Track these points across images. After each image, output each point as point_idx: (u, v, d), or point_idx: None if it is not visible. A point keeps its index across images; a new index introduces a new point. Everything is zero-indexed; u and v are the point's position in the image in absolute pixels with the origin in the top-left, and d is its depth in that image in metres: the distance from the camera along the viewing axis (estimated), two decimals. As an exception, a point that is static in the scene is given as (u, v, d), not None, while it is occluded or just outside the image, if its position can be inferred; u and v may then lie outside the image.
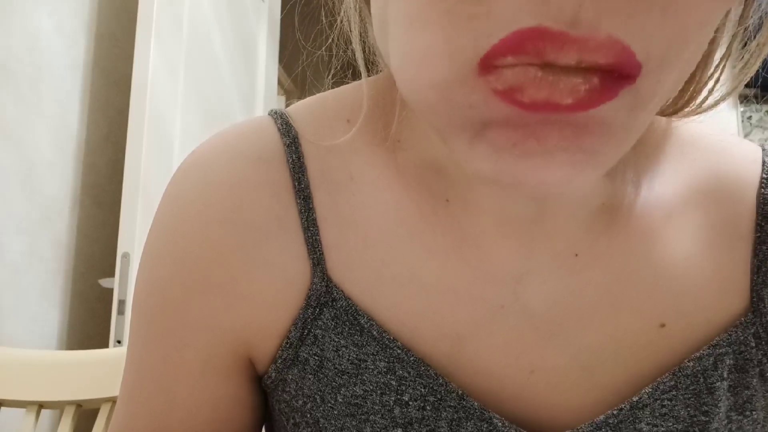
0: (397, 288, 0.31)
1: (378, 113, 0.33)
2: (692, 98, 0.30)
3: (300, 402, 0.32)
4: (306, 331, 0.31)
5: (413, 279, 0.31)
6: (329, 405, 0.31)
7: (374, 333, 0.31)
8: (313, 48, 0.40)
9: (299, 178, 0.32)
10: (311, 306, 0.31)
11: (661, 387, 0.30)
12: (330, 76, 0.36)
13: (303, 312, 0.31)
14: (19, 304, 1.15)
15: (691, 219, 0.32)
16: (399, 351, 0.30)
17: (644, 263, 0.31)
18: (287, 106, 0.36)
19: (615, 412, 0.30)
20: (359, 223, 0.32)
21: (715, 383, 0.30)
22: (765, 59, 0.28)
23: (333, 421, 0.31)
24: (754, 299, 0.31)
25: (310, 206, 0.32)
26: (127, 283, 1.16)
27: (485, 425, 0.30)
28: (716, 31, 0.24)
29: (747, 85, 0.29)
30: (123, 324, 1.15)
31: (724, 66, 0.28)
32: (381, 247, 0.32)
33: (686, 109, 0.30)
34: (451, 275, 0.31)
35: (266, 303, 0.32)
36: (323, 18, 0.33)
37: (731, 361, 0.31)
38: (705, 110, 0.30)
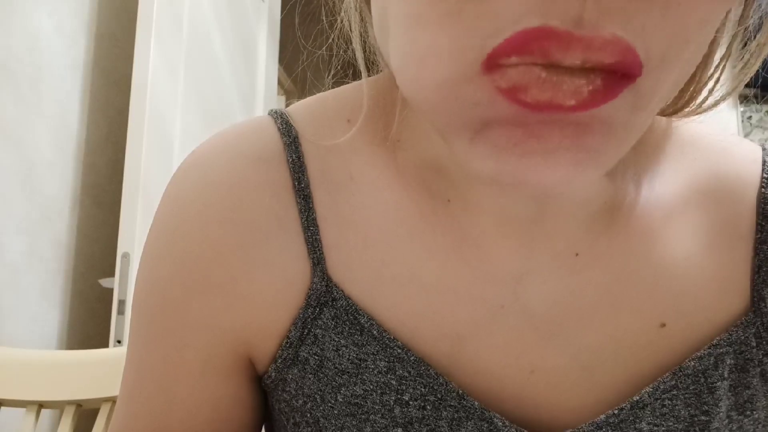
0: (397, 288, 0.31)
1: (378, 113, 0.33)
2: (692, 98, 0.30)
3: (300, 402, 0.32)
4: (306, 331, 0.31)
5: (413, 279, 0.31)
6: (329, 404, 0.31)
7: (374, 332, 0.31)
8: (313, 48, 0.40)
9: (299, 177, 0.32)
10: (311, 306, 0.31)
11: (662, 387, 0.30)
12: (330, 76, 0.36)
13: (303, 312, 0.31)
14: (19, 304, 1.15)
15: (691, 219, 0.32)
16: (399, 351, 0.30)
17: (644, 263, 0.31)
18: (287, 106, 0.36)
19: (615, 412, 0.30)
20: (359, 222, 0.32)
21: (715, 383, 0.30)
22: (765, 59, 0.28)
23: (333, 421, 0.31)
24: (755, 299, 0.31)
25: (310, 206, 0.32)
26: (127, 283, 1.16)
27: (486, 425, 0.30)
28: (716, 32, 0.24)
29: (747, 85, 0.29)
30: (123, 324, 1.15)
31: (725, 66, 0.28)
32: (381, 247, 0.32)
33: (686, 109, 0.30)
34: (451, 275, 0.31)
35: (266, 303, 0.32)
36: (323, 18, 0.33)
37: (732, 361, 0.31)
38: (705, 110, 0.31)
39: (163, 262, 0.33)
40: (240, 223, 0.32)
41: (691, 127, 0.34)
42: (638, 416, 0.30)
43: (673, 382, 0.30)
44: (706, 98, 0.30)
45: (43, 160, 1.21)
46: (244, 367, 0.34)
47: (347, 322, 0.31)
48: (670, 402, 0.30)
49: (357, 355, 0.31)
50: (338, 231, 0.32)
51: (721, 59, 0.28)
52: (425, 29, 0.18)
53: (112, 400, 0.70)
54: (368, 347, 0.31)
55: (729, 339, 0.31)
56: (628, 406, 0.30)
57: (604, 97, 0.17)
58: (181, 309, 0.32)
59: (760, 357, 0.31)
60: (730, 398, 0.31)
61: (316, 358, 0.31)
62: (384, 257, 0.31)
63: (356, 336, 0.31)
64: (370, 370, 0.31)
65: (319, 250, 0.32)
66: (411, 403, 0.30)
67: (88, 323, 1.35)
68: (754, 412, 0.31)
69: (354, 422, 0.31)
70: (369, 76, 0.31)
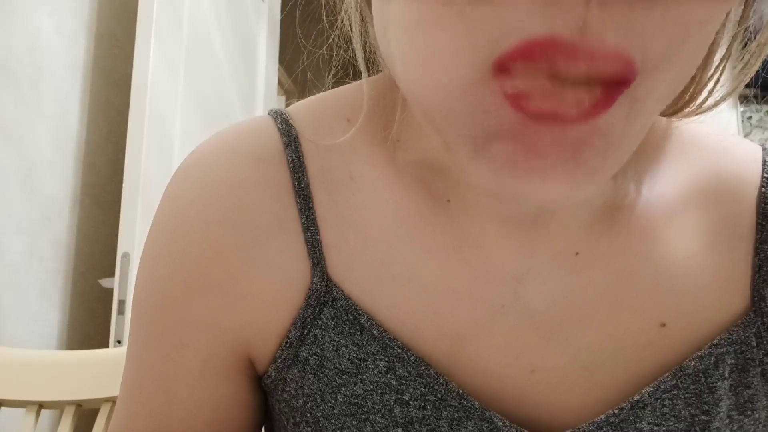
0: (397, 288, 0.31)
1: (378, 113, 0.33)
2: (692, 99, 0.30)
3: (300, 401, 0.32)
4: (306, 331, 0.31)
5: (413, 279, 0.31)
6: (329, 404, 0.31)
7: (374, 332, 0.31)
8: (313, 48, 0.40)
9: (299, 177, 0.32)
10: (311, 305, 0.31)
11: (662, 386, 0.30)
12: (330, 76, 0.36)
13: (303, 312, 0.31)
14: (19, 304, 1.15)
15: (691, 218, 0.32)
16: (399, 350, 0.30)
17: (645, 263, 0.31)
18: (287, 106, 0.36)
19: (616, 412, 0.30)
20: (359, 222, 0.32)
21: (716, 383, 0.30)
22: (765, 60, 0.28)
23: (333, 421, 0.31)
24: (755, 299, 0.31)
25: (310, 206, 0.32)
26: (127, 283, 1.16)
27: (486, 425, 0.30)
28: (716, 32, 0.24)
29: (747, 86, 0.29)
30: (123, 324, 1.15)
31: (725, 67, 0.29)
32: (381, 247, 0.32)
33: (686, 110, 0.30)
34: (451, 275, 0.31)
35: (266, 303, 0.32)
36: (324, 18, 0.33)
37: (732, 361, 0.31)
38: (705, 110, 0.31)
39: (163, 262, 0.33)
40: (240, 223, 0.32)
41: (691, 127, 0.34)
42: (638, 416, 0.30)
43: (674, 382, 0.30)
44: (706, 98, 0.30)
45: (43, 160, 1.21)
46: (244, 367, 0.34)
47: (347, 322, 0.31)
48: (670, 402, 0.30)
49: (357, 355, 0.31)
50: (338, 231, 0.32)
51: (721, 60, 0.28)
52: (434, 32, 0.19)
53: (112, 400, 0.70)
54: (368, 347, 0.31)
55: (729, 339, 0.31)
56: (629, 405, 0.30)
57: (604, 105, 0.18)
58: (181, 309, 0.32)
59: (761, 357, 0.31)
60: (730, 398, 0.31)
61: (316, 358, 0.31)
62: (384, 257, 0.31)
63: (356, 336, 0.31)
64: (370, 370, 0.31)
65: (319, 250, 0.32)
66: (411, 403, 0.30)
67: (88, 323, 1.35)
68: (755, 412, 0.31)
69: (354, 422, 0.31)
70: (369, 76, 0.31)
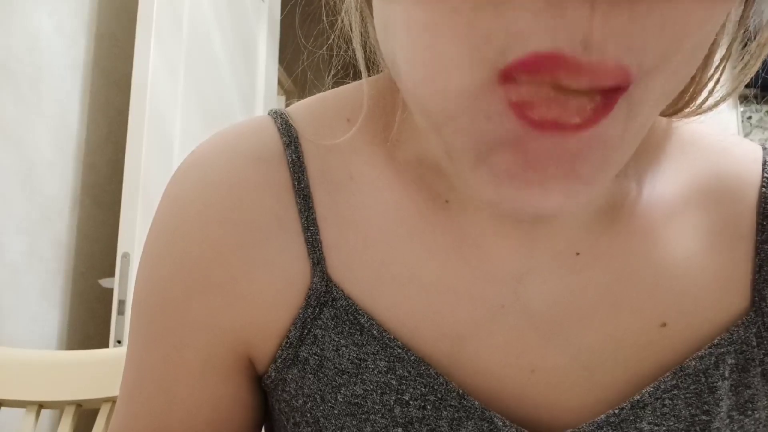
0: (397, 288, 0.31)
1: (378, 113, 0.33)
2: (692, 99, 0.30)
3: (300, 401, 0.32)
4: (306, 331, 0.31)
5: (413, 279, 0.31)
6: (329, 404, 0.31)
7: (374, 332, 0.31)
8: (313, 48, 0.40)
9: (299, 177, 0.32)
10: (311, 305, 0.31)
11: (662, 386, 0.30)
12: (330, 77, 0.36)
13: (303, 311, 0.31)
14: (19, 304, 1.15)
15: (692, 218, 0.32)
16: (399, 350, 0.30)
17: (645, 262, 0.31)
18: (287, 106, 0.36)
19: (616, 412, 0.30)
20: (359, 222, 0.32)
21: (716, 383, 0.30)
22: (765, 60, 0.28)
23: (333, 421, 0.31)
24: (756, 298, 0.31)
25: (310, 206, 0.32)
26: (127, 283, 1.16)
27: (486, 424, 0.30)
28: (716, 33, 0.24)
29: (747, 86, 0.29)
30: (123, 324, 1.15)
31: (725, 67, 0.29)
32: (381, 247, 0.32)
33: (687, 110, 0.30)
34: (451, 275, 0.31)
35: (266, 303, 0.32)
36: (324, 18, 0.33)
37: (733, 361, 0.31)
38: (705, 111, 0.31)
39: (163, 262, 0.33)
40: (240, 223, 0.32)
41: (691, 127, 0.34)
42: (639, 416, 0.30)
43: (674, 382, 0.30)
44: (707, 99, 0.30)
45: (43, 160, 1.21)
46: (244, 367, 0.34)
47: (347, 322, 0.31)
48: (670, 402, 0.30)
49: (357, 355, 0.31)
50: (338, 231, 0.32)
51: (721, 60, 0.28)
52: (440, 38, 0.19)
53: (112, 400, 0.70)
54: (368, 347, 0.31)
55: (730, 338, 0.31)
56: (629, 405, 0.30)
57: (604, 110, 0.18)
58: (181, 309, 0.32)
59: (761, 356, 0.31)
60: (731, 398, 0.31)
61: (316, 358, 0.31)
62: (384, 257, 0.31)
63: (356, 336, 0.31)
64: (370, 370, 0.31)
65: (319, 250, 0.32)
66: (411, 402, 0.30)
67: (88, 323, 1.35)
68: (755, 412, 0.31)
69: (354, 422, 0.31)
70: (369, 76, 0.31)
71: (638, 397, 0.30)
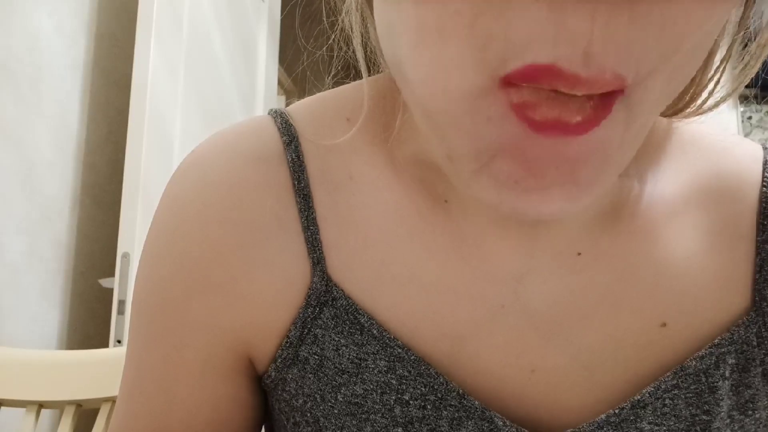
0: (397, 288, 0.31)
1: (378, 113, 0.33)
2: (693, 100, 0.30)
3: (300, 401, 0.32)
4: (306, 331, 0.31)
5: (413, 279, 0.31)
6: (329, 404, 0.31)
7: (374, 332, 0.31)
8: (313, 48, 0.40)
9: (299, 177, 0.32)
10: (311, 305, 0.31)
11: (663, 386, 0.30)
12: (330, 77, 0.36)
13: (303, 311, 0.31)
14: (19, 304, 1.15)
15: (692, 218, 0.32)
16: (399, 350, 0.30)
17: (646, 262, 0.31)
18: (287, 106, 0.36)
19: (616, 411, 0.30)
20: (359, 222, 0.32)
21: (717, 382, 0.30)
22: (765, 60, 0.28)
23: (333, 420, 0.31)
24: (756, 298, 0.31)
25: (310, 205, 0.32)
26: (127, 283, 1.16)
27: (486, 424, 0.30)
28: (716, 34, 0.24)
29: (747, 86, 0.29)
30: (123, 324, 1.15)
31: (725, 68, 0.29)
32: (381, 247, 0.32)
33: (687, 110, 0.30)
34: (451, 275, 0.31)
35: (266, 302, 0.32)
36: (324, 18, 0.33)
37: (733, 361, 0.31)
38: (706, 111, 0.31)
39: (163, 262, 0.33)
40: (240, 223, 0.32)
41: (691, 127, 0.34)
42: (639, 416, 0.30)
43: (675, 382, 0.30)
44: (707, 99, 0.30)
45: (43, 160, 1.21)
46: (243, 367, 0.34)
47: (347, 322, 0.31)
48: (671, 401, 0.30)
49: (357, 354, 0.31)
50: (338, 231, 0.32)
51: (722, 61, 0.28)
52: (443, 40, 0.19)
53: (112, 400, 0.70)
54: (368, 347, 0.31)
55: (730, 338, 0.31)
56: (629, 405, 0.30)
57: (603, 110, 0.19)
58: (181, 309, 0.32)
59: (762, 356, 0.31)
60: (731, 398, 0.31)
61: (316, 357, 0.31)
62: (384, 257, 0.31)
63: (356, 335, 0.31)
64: (370, 369, 0.31)
65: (318, 249, 0.32)
66: (411, 402, 0.30)
67: (88, 323, 1.35)
68: (756, 412, 0.31)
69: (354, 422, 0.31)
70: (369, 76, 0.31)
71: (638, 397, 0.30)
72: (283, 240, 0.32)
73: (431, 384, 0.30)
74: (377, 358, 0.31)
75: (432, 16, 0.19)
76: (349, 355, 0.31)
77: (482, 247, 0.31)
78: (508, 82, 0.19)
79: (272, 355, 0.32)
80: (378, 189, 0.32)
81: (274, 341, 0.32)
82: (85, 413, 0.72)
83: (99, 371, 0.70)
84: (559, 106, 0.18)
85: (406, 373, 0.30)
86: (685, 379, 0.30)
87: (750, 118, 2.61)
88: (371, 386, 0.31)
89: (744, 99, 2.51)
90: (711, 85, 0.29)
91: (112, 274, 1.19)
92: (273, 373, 0.33)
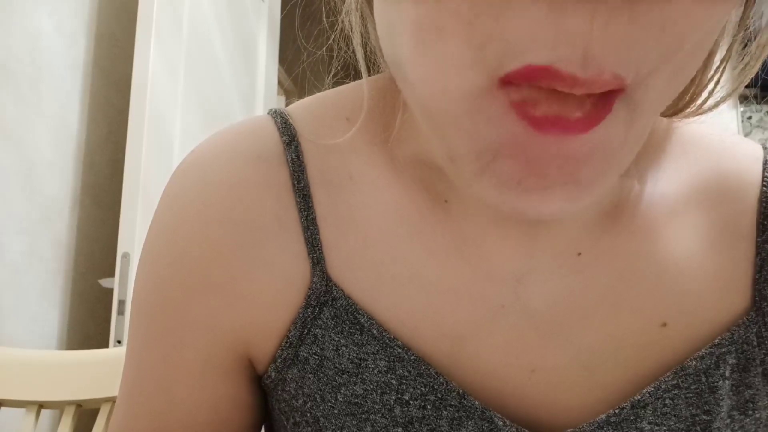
0: (397, 287, 0.31)
1: (378, 113, 0.33)
2: (693, 99, 0.30)
3: (300, 401, 0.32)
4: (306, 331, 0.31)
5: (413, 278, 0.31)
6: (329, 404, 0.31)
7: (374, 332, 0.31)
8: (313, 48, 0.40)
9: (299, 177, 0.32)
10: (311, 305, 0.31)
11: (663, 386, 0.30)
12: (330, 77, 0.36)
13: (303, 311, 0.31)
14: (19, 304, 1.15)
15: (693, 218, 0.32)
16: (399, 350, 0.30)
17: (646, 262, 0.31)
18: (287, 106, 0.36)
19: (616, 411, 0.30)
20: (359, 222, 0.32)
21: (717, 382, 0.30)
22: (765, 60, 0.28)
23: (333, 420, 0.31)
24: (757, 298, 0.31)
25: (310, 205, 0.32)
26: (127, 283, 1.16)
27: (486, 424, 0.30)
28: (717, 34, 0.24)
29: (747, 86, 0.29)
30: (123, 324, 1.15)
31: (725, 68, 0.29)
32: (381, 247, 0.32)
33: (687, 110, 0.30)
34: (452, 275, 0.31)
35: (266, 302, 0.32)
36: (324, 18, 0.33)
37: (733, 361, 0.31)
38: (706, 111, 0.31)
39: (163, 262, 0.33)
40: (240, 223, 0.32)
41: (692, 126, 0.34)
42: (639, 416, 0.30)
43: (675, 382, 0.30)
44: (707, 99, 0.30)
45: (43, 160, 1.21)
46: (243, 367, 0.34)
47: (347, 322, 0.31)
48: (671, 401, 0.30)
49: (357, 354, 0.31)
50: (338, 231, 0.32)
51: (722, 61, 0.28)
52: (442, 40, 0.19)
53: (112, 400, 0.70)
54: (368, 347, 0.31)
55: (731, 338, 0.31)
56: (629, 405, 0.30)
57: (604, 108, 0.19)
58: (181, 309, 0.32)
59: (762, 356, 0.31)
60: (731, 398, 0.31)
61: (316, 357, 0.31)
62: (384, 257, 0.31)
63: (356, 335, 0.31)
64: (370, 369, 0.31)
65: (318, 249, 0.32)
66: (411, 402, 0.30)
67: (88, 323, 1.35)
68: (756, 412, 0.31)
69: (354, 422, 0.31)
70: (369, 76, 0.31)
71: (639, 397, 0.30)
72: (283, 240, 0.32)
73: (431, 384, 0.30)
74: (377, 358, 0.31)
75: (431, 15, 0.19)
76: (349, 355, 0.31)
77: (482, 246, 0.31)
78: (507, 81, 0.19)
79: (272, 355, 0.32)
80: (378, 189, 0.32)
81: (273, 341, 0.32)
82: (85, 413, 0.72)
83: (99, 371, 0.70)
84: (559, 103, 0.18)
85: (406, 373, 0.30)
86: (686, 379, 0.30)
87: (750, 118, 2.61)
88: (371, 386, 0.31)
89: (744, 99, 2.51)
90: (711, 85, 0.29)
91: (112, 274, 1.19)
92: (273, 374, 0.33)
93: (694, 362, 0.30)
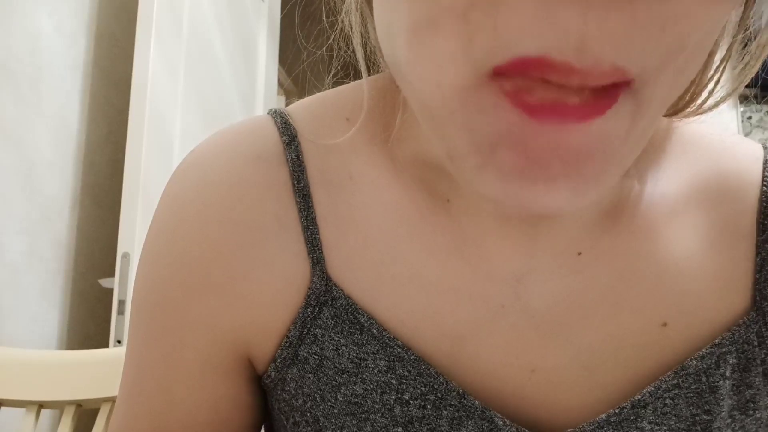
0: (397, 287, 0.31)
1: (378, 113, 0.33)
2: (693, 99, 0.30)
3: (300, 401, 0.32)
4: (305, 330, 0.31)
5: (413, 278, 0.31)
6: (329, 404, 0.31)
7: (374, 332, 0.31)
8: (313, 48, 0.40)
9: (299, 177, 0.32)
10: (311, 305, 0.31)
11: (663, 386, 0.30)
12: (330, 77, 0.36)
13: (302, 311, 0.31)
14: (19, 304, 1.15)
15: (693, 218, 0.32)
16: (399, 350, 0.30)
17: (647, 262, 0.31)
18: (287, 106, 0.36)
19: (616, 411, 0.30)
20: (359, 222, 0.32)
21: (717, 382, 0.30)
22: (765, 60, 0.28)
23: (333, 420, 0.31)
24: (757, 298, 0.31)
25: (310, 205, 0.32)
26: (127, 283, 1.16)
27: (486, 424, 0.30)
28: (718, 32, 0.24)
29: (747, 86, 0.29)
30: (123, 324, 1.15)
31: (725, 68, 0.29)
32: (381, 247, 0.32)
33: (687, 110, 0.30)
34: (452, 274, 0.31)
35: (266, 302, 0.32)
36: (324, 18, 0.33)
37: (734, 360, 0.31)
38: (705, 111, 0.31)
39: (163, 262, 0.33)
40: (240, 223, 0.32)
41: (692, 126, 0.34)
42: (639, 415, 0.30)
43: (675, 382, 0.30)
44: (707, 99, 0.30)
45: (43, 160, 1.21)
46: (243, 367, 0.34)
47: (347, 322, 0.31)
48: (671, 401, 0.30)
49: (357, 354, 0.31)
50: (338, 230, 0.32)
51: (722, 61, 0.28)
52: (433, 34, 0.19)
53: (112, 400, 0.70)
54: (368, 346, 0.31)
55: (731, 338, 0.31)
56: (629, 405, 0.30)
57: (607, 99, 0.18)
58: (181, 309, 0.32)
59: (763, 356, 0.31)
60: (732, 398, 0.31)
61: (316, 357, 0.31)
62: (384, 257, 0.31)
63: (356, 335, 0.31)
64: (370, 369, 0.31)
65: (318, 249, 0.32)
66: (411, 402, 0.30)
67: (88, 323, 1.35)
68: (757, 412, 0.31)
69: (354, 421, 0.31)
70: (369, 75, 0.31)
71: (639, 397, 0.30)
72: (283, 240, 0.32)
73: (431, 384, 0.30)
74: (377, 358, 0.31)
75: (425, 10, 0.19)
76: (349, 354, 0.31)
77: (483, 246, 0.31)
78: (499, 73, 0.18)
79: (272, 355, 0.32)
80: (378, 189, 0.32)
81: (273, 341, 0.32)
82: (85, 413, 0.72)
83: (99, 371, 0.70)
84: (555, 89, 0.18)
85: (406, 373, 0.30)
86: (686, 378, 0.30)
87: (750, 118, 2.61)
88: (371, 386, 0.31)
89: (744, 99, 2.51)
90: (711, 85, 0.29)
91: (112, 274, 1.19)
92: (273, 373, 0.33)
93: (694, 362, 0.30)
